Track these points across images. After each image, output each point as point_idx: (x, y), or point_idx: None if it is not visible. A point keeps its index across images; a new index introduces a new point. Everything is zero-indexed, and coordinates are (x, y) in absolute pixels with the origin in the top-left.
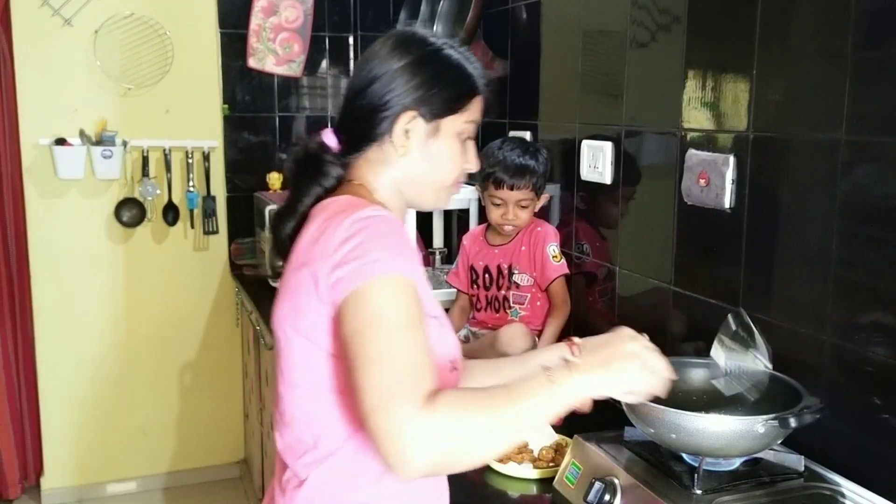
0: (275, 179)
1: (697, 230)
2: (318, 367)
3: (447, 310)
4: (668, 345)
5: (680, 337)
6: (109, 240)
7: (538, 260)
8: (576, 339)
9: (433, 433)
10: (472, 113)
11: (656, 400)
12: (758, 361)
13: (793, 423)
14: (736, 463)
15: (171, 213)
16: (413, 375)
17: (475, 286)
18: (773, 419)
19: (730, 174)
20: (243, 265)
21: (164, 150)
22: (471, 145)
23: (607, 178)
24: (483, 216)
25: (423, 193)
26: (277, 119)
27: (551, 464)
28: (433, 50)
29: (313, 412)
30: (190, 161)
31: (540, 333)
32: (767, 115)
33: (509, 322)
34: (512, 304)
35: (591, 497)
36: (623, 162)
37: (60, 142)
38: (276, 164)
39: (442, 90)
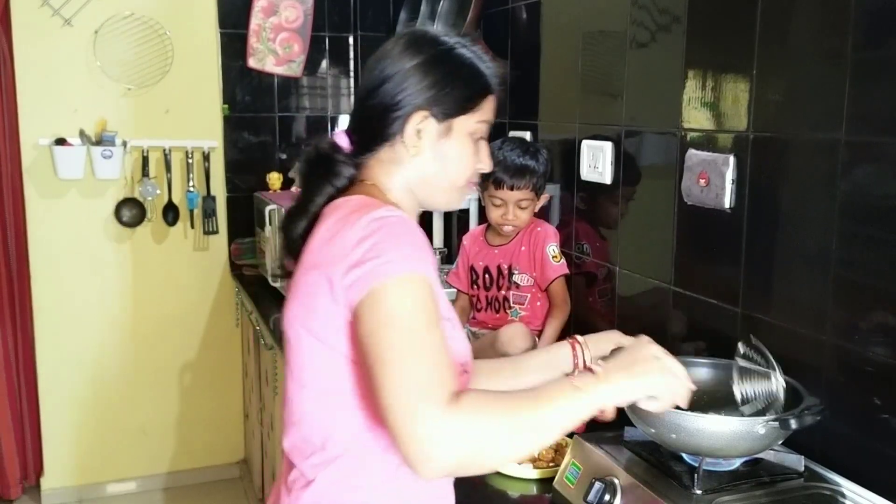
0: (275, 179)
1: (697, 230)
2: (328, 368)
3: None
4: (668, 345)
5: (680, 337)
6: (109, 240)
7: (538, 260)
8: (578, 338)
9: (457, 434)
10: (485, 113)
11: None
12: (775, 382)
13: (793, 424)
14: (736, 463)
15: (171, 213)
16: (435, 375)
17: (475, 286)
18: (773, 420)
19: (730, 174)
20: (243, 265)
21: (164, 150)
22: (483, 145)
23: (607, 179)
24: (483, 216)
25: (436, 194)
26: (277, 119)
27: (551, 464)
28: (445, 49)
29: (322, 413)
30: (190, 161)
31: (540, 333)
32: (767, 115)
33: (509, 322)
34: (512, 305)
35: (591, 497)
36: (623, 162)
37: (60, 142)
38: (275, 164)
39: (454, 90)
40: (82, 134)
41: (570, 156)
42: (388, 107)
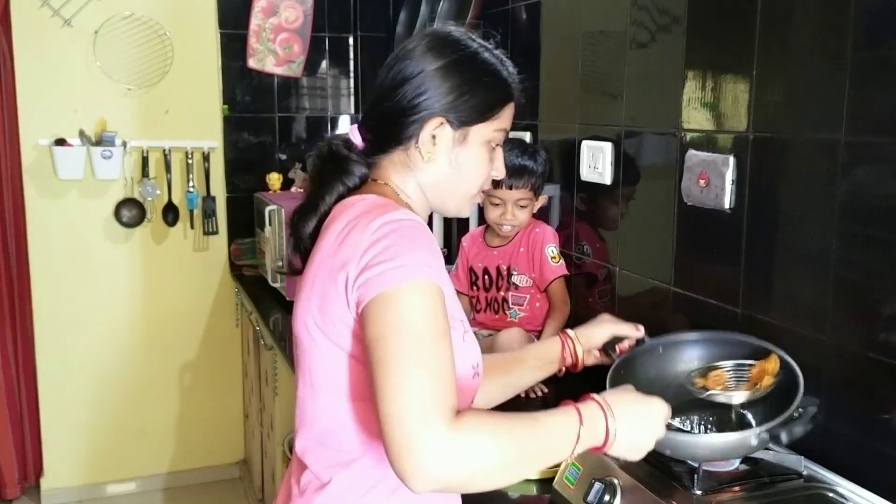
0: (274, 180)
1: (697, 230)
2: (340, 370)
3: None
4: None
5: None
6: (109, 240)
7: (537, 261)
8: (569, 332)
9: (451, 456)
10: (504, 121)
11: None
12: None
13: (784, 437)
14: (735, 463)
15: (170, 214)
16: (437, 390)
17: (475, 287)
18: (764, 432)
19: (730, 174)
20: (243, 265)
21: (164, 151)
22: (499, 152)
23: (607, 179)
24: (483, 217)
25: (447, 200)
26: (277, 119)
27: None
28: (468, 54)
29: (334, 416)
30: (190, 161)
31: (539, 334)
32: (767, 115)
33: (508, 323)
34: (511, 306)
35: (590, 497)
36: (623, 162)
37: (60, 142)
38: (275, 164)
39: (473, 97)
40: (82, 134)
41: (569, 156)
42: (404, 110)
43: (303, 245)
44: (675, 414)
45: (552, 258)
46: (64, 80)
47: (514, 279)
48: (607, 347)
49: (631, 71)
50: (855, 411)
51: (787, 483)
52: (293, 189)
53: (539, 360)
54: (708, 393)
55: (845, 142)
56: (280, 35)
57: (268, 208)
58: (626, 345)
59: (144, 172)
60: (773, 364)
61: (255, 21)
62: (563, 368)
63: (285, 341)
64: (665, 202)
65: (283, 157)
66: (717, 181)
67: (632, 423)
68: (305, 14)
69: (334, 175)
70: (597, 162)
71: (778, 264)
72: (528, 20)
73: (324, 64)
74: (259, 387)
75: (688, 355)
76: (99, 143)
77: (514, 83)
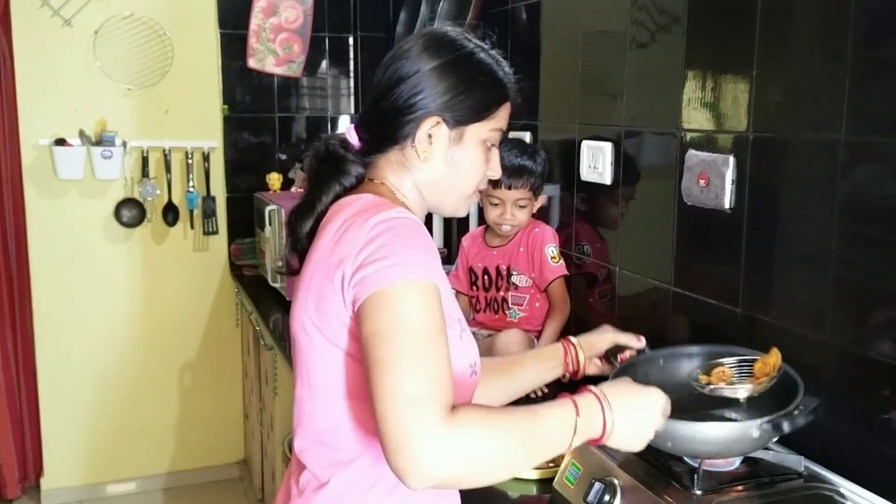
0: (274, 180)
1: (697, 230)
2: (337, 369)
3: None
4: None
5: (680, 337)
6: (109, 240)
7: (536, 261)
8: (572, 339)
9: (447, 452)
10: (499, 121)
11: None
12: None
13: (786, 427)
14: (736, 463)
15: (170, 214)
16: (432, 387)
17: (474, 287)
18: (766, 423)
19: (729, 174)
20: (243, 265)
21: (164, 151)
22: (495, 152)
23: (607, 179)
24: (483, 217)
25: (443, 200)
26: (277, 119)
27: (551, 464)
28: (464, 54)
29: (332, 415)
30: (190, 161)
31: (539, 334)
32: (767, 115)
33: (508, 323)
34: (511, 306)
35: (590, 497)
36: (623, 162)
37: (60, 142)
38: (275, 164)
39: (469, 97)
40: (82, 134)
41: (569, 156)
42: (400, 109)
43: (300, 245)
44: (678, 415)
45: (552, 258)
46: (64, 80)
47: (514, 279)
48: (609, 356)
49: (631, 71)
50: (855, 411)
51: (787, 483)
52: (293, 189)
53: (541, 365)
54: (711, 388)
55: (845, 142)
56: (280, 35)
57: (268, 208)
58: (627, 355)
59: (144, 172)
60: (774, 357)
61: (255, 21)
62: (567, 375)
63: (285, 341)
64: (665, 202)
65: (283, 157)
66: (717, 181)
67: (630, 415)
68: (305, 14)
69: (331, 175)
70: (597, 162)
71: (778, 264)
72: (528, 20)
73: (324, 64)
74: (259, 387)
75: (689, 366)
76: (99, 143)
77: (510, 83)
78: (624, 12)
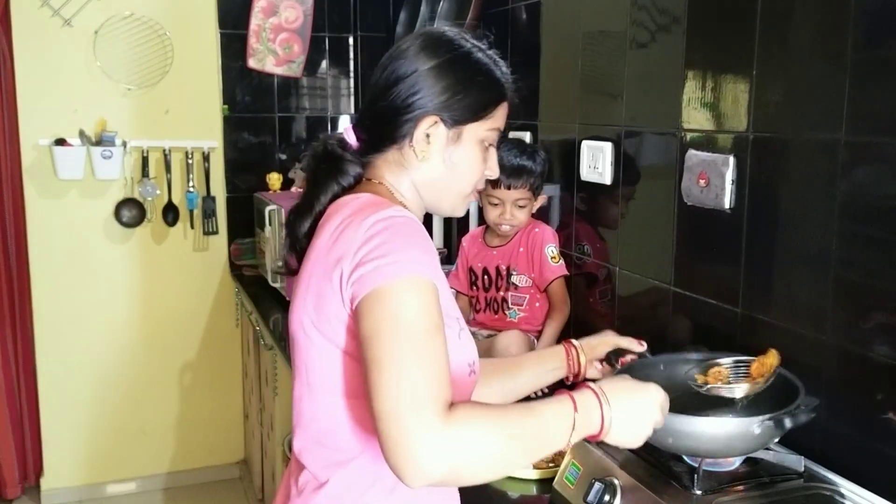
0: (274, 180)
1: (697, 230)
2: (335, 368)
3: None
4: (668, 345)
5: (680, 337)
6: (109, 240)
7: (536, 261)
8: (574, 342)
9: (445, 449)
10: (497, 120)
11: None
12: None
13: (788, 423)
14: (736, 463)
15: (170, 214)
16: (430, 385)
17: (474, 287)
18: (768, 419)
19: (729, 174)
20: (243, 265)
21: (164, 151)
22: (493, 152)
23: (607, 179)
24: (483, 217)
25: (441, 199)
26: (277, 119)
27: (551, 464)
28: (462, 53)
29: (331, 414)
30: (190, 161)
31: (539, 335)
32: (767, 115)
33: (508, 324)
34: (511, 306)
35: (590, 497)
36: (623, 162)
37: (60, 142)
38: (275, 164)
39: (467, 97)
40: (82, 134)
41: (569, 156)
42: (398, 109)
43: (299, 245)
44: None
45: (552, 258)
46: (64, 80)
47: (514, 279)
48: (610, 359)
49: (631, 71)
50: (855, 411)
51: (787, 483)
52: (293, 189)
53: (543, 367)
54: (708, 387)
55: (845, 142)
56: (280, 35)
57: (268, 208)
58: (628, 359)
59: (144, 172)
60: (772, 358)
61: (255, 21)
62: (570, 377)
63: (285, 341)
64: (665, 202)
65: (283, 157)
66: (717, 181)
67: (628, 410)
68: (305, 14)
69: (329, 175)
70: (597, 162)
71: (778, 264)
72: (528, 20)
73: (324, 64)
74: (259, 387)
75: (689, 373)
76: (99, 143)
77: (507, 83)
78: (624, 12)
